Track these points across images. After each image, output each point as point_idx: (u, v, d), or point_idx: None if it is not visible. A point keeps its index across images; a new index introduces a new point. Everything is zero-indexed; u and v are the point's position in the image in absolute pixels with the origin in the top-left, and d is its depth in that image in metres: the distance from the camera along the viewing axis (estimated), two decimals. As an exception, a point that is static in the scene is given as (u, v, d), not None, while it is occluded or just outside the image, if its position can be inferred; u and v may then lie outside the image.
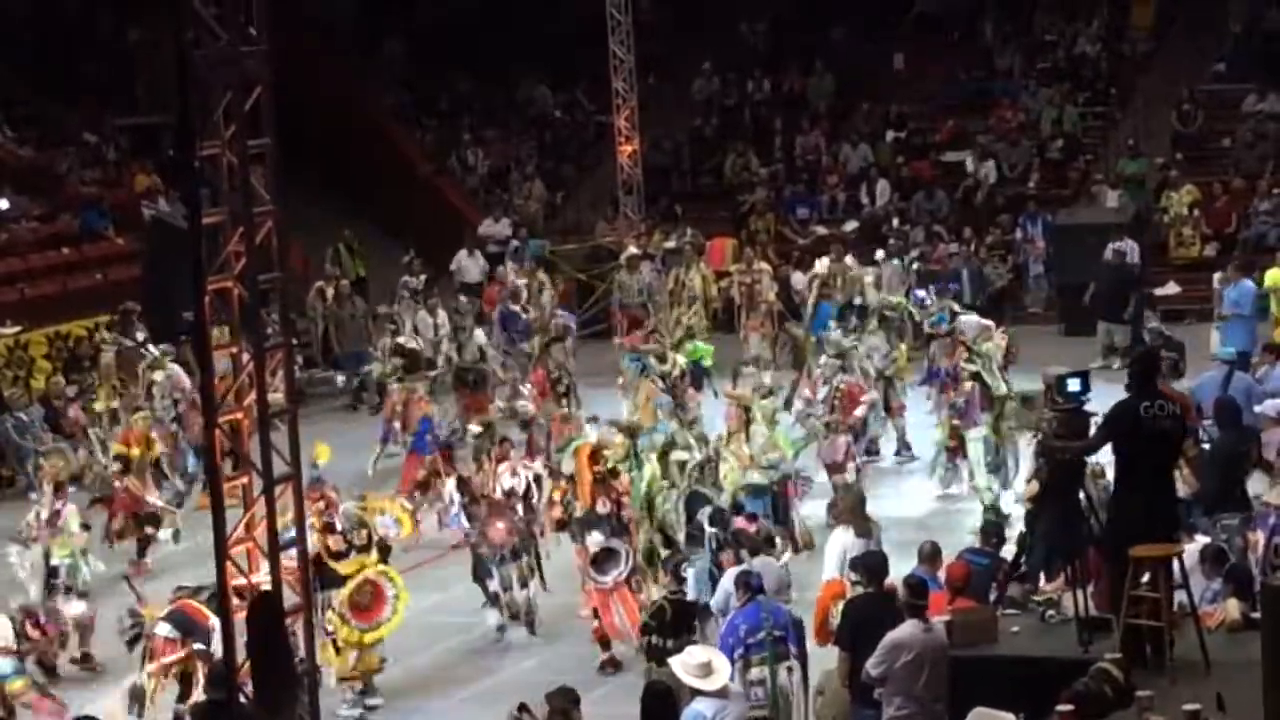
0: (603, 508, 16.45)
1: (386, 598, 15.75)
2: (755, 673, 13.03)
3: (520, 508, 17.18)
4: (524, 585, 17.05)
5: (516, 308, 25.84)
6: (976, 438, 19.36)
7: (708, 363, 22.70)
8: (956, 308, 21.97)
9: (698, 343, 23.10)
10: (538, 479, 17.56)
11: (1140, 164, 30.29)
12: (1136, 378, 12.84)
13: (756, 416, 18.24)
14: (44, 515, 17.21)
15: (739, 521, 16.27)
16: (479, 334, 24.68)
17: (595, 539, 16.23)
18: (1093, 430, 12.74)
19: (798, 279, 27.26)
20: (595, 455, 16.83)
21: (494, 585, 17.00)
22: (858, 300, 23.81)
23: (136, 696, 14.53)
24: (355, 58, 36.25)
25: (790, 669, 13.16)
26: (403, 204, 32.90)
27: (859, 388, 20.58)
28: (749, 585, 13.36)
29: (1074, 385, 12.83)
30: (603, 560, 16.12)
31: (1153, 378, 12.79)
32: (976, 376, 19.54)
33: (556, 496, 17.36)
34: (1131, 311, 25.42)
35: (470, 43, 35.16)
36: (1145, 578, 12.12)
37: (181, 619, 14.53)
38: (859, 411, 20.24)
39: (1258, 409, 17.17)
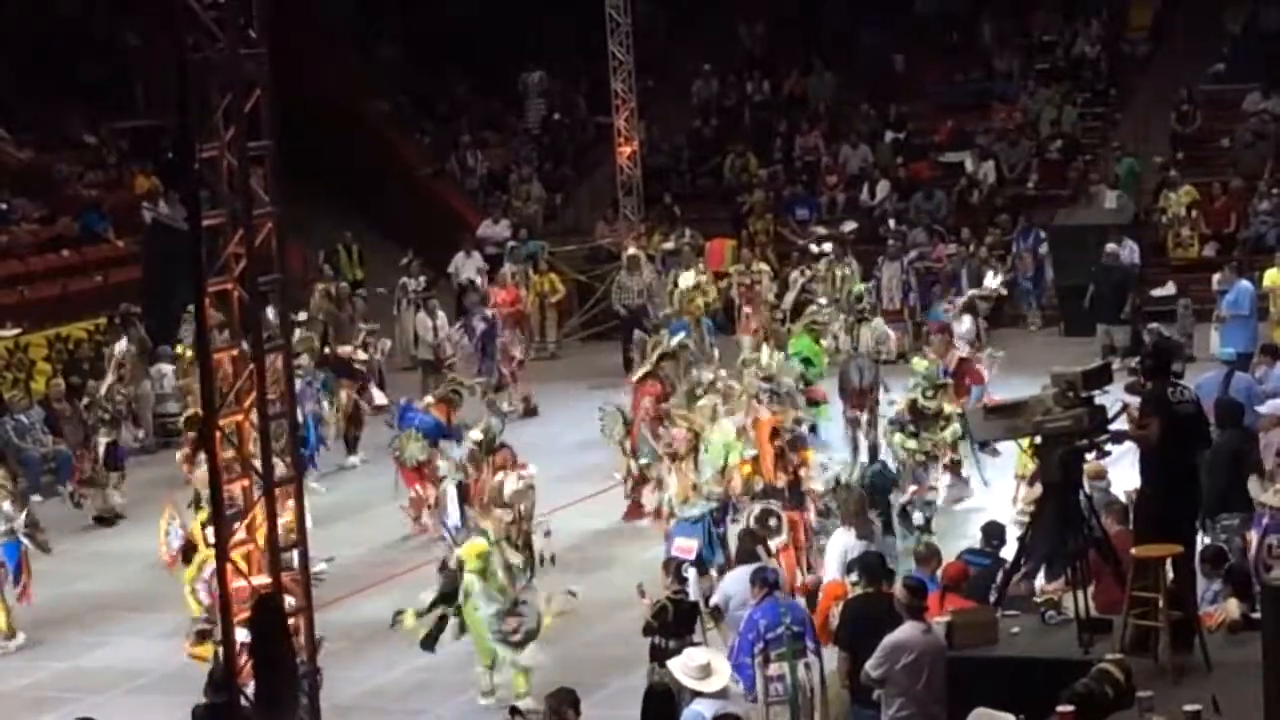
0: (780, 481, 16.92)
1: None
2: (774, 668, 13.00)
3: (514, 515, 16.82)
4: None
5: (490, 311, 25.73)
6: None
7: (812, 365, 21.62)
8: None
9: (803, 338, 22.28)
10: (531, 486, 17.41)
11: (1126, 163, 30.25)
12: (1156, 366, 12.90)
13: (708, 442, 17.91)
14: None
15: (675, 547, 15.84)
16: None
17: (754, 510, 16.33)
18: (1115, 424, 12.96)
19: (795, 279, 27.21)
20: (775, 431, 17.36)
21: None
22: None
23: None
24: (354, 60, 36.22)
25: (808, 665, 13.13)
26: (402, 206, 32.90)
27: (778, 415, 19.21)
28: (765, 581, 13.32)
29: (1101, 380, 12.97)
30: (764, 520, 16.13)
31: (1170, 364, 12.88)
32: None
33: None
34: (1128, 312, 25.43)
35: (468, 44, 35.15)
36: (1150, 574, 12.17)
37: None
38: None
39: (1258, 409, 17.17)
